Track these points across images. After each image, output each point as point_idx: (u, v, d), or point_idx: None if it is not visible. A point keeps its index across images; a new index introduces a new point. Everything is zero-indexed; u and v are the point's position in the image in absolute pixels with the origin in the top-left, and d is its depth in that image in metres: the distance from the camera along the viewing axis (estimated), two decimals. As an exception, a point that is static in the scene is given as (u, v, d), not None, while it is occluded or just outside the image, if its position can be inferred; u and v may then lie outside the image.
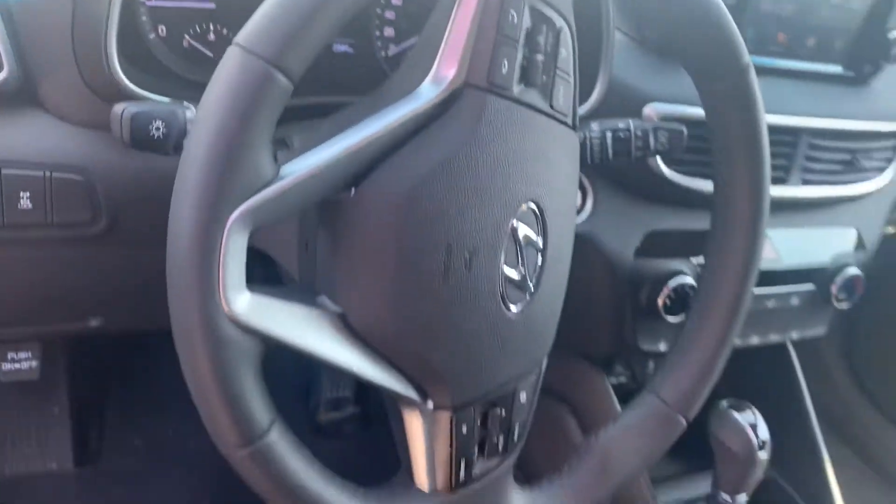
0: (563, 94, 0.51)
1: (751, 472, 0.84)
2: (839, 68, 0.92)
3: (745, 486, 0.86)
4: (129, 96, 0.58)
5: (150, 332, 0.66)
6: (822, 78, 0.91)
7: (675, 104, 0.76)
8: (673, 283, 0.83)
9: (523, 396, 0.56)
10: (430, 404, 0.51)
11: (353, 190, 0.45)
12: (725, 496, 0.88)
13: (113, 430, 1.19)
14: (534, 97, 0.49)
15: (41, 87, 0.60)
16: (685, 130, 0.65)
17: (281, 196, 0.41)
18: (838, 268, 0.97)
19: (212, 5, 0.67)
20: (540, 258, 0.52)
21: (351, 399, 1.14)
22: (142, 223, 0.62)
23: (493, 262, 0.49)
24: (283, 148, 0.59)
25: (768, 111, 0.81)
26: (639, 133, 0.63)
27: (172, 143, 0.48)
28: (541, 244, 0.52)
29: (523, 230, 0.50)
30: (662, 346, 0.91)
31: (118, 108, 0.49)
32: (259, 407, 0.43)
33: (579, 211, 0.79)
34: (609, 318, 0.90)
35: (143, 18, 0.65)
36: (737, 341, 0.96)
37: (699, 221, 0.62)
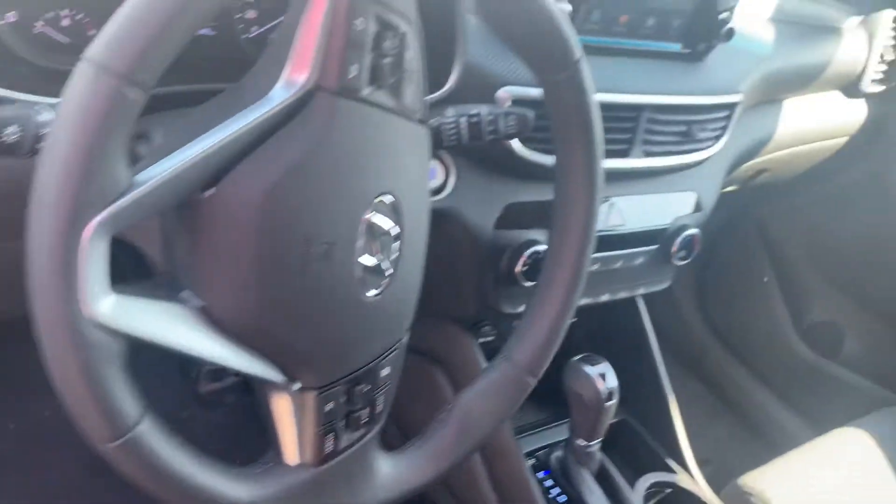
0: (411, 92, 0.54)
1: (602, 418, 0.93)
2: (677, 46, 0.98)
3: (597, 430, 0.95)
4: None
5: (17, 318, 0.65)
6: (661, 55, 0.97)
7: (526, 87, 0.80)
8: (529, 251, 0.88)
9: (386, 371, 0.60)
10: (296, 386, 0.54)
11: (212, 189, 0.47)
12: (581, 441, 0.98)
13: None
14: (383, 97, 0.51)
15: None
16: (530, 115, 0.69)
17: (137, 203, 0.42)
18: (678, 229, 1.06)
19: None
20: (398, 244, 0.56)
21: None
22: None
23: (349, 252, 0.52)
24: (144, 142, 0.59)
25: (612, 91, 0.88)
26: (490, 118, 0.66)
27: (27, 149, 0.47)
28: (397, 231, 0.56)
29: (378, 220, 0.53)
30: (522, 308, 0.97)
31: None
32: (127, 401, 0.44)
33: (442, 188, 0.83)
34: (474, 284, 0.95)
35: None
36: (589, 299, 1.05)
37: (551, 193, 0.68)
